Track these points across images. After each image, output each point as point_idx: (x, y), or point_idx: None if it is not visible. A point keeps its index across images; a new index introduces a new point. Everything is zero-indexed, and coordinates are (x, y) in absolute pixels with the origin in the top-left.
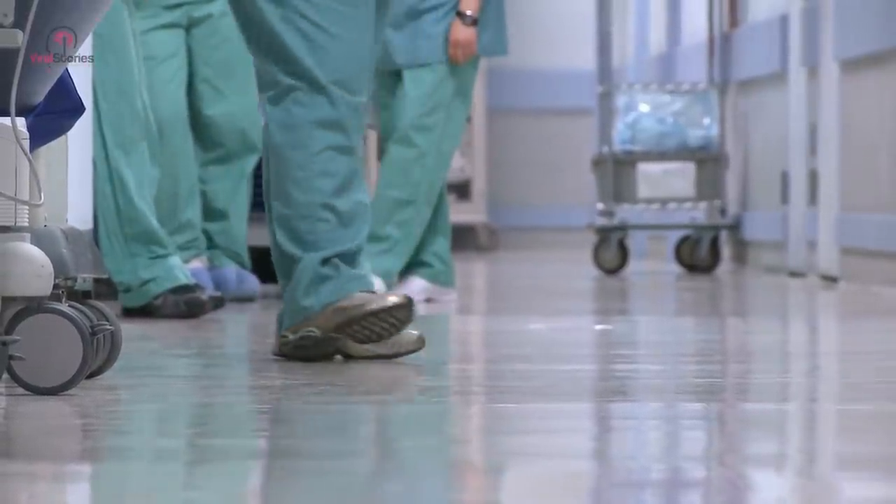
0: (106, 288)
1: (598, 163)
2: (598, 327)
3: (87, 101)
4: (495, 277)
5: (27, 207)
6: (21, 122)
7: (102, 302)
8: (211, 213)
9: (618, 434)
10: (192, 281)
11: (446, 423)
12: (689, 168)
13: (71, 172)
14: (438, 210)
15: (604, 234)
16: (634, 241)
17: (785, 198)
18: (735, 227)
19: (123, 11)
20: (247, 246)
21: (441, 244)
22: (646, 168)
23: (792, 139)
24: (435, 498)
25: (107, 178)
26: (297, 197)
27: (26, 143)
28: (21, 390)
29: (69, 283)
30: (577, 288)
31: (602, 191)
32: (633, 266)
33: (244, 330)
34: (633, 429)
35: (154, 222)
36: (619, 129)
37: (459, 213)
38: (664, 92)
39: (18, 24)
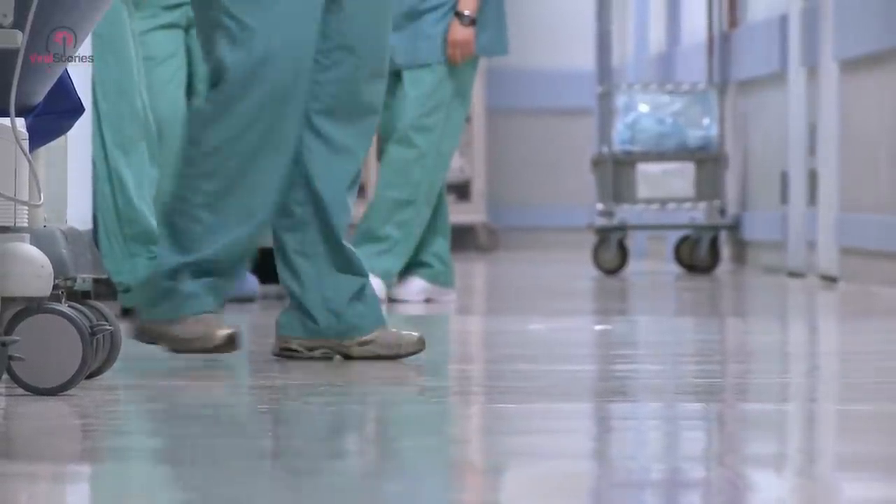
0: (105, 288)
1: (597, 163)
2: (598, 327)
3: (87, 101)
4: (495, 277)
5: (27, 208)
6: (21, 123)
7: (102, 302)
8: None
9: (618, 434)
10: None
11: (446, 423)
12: (688, 168)
13: (71, 172)
14: (438, 210)
15: (604, 234)
16: (634, 241)
17: (784, 198)
18: (735, 228)
19: (123, 11)
20: None
21: (441, 244)
22: (645, 168)
23: (792, 139)
24: (435, 498)
25: (106, 179)
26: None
27: (26, 144)
28: (21, 390)
29: (69, 283)
30: (577, 288)
31: (602, 191)
32: (632, 266)
33: (244, 330)
34: (632, 429)
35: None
36: (619, 130)
37: (459, 213)
38: (664, 92)
39: (18, 24)
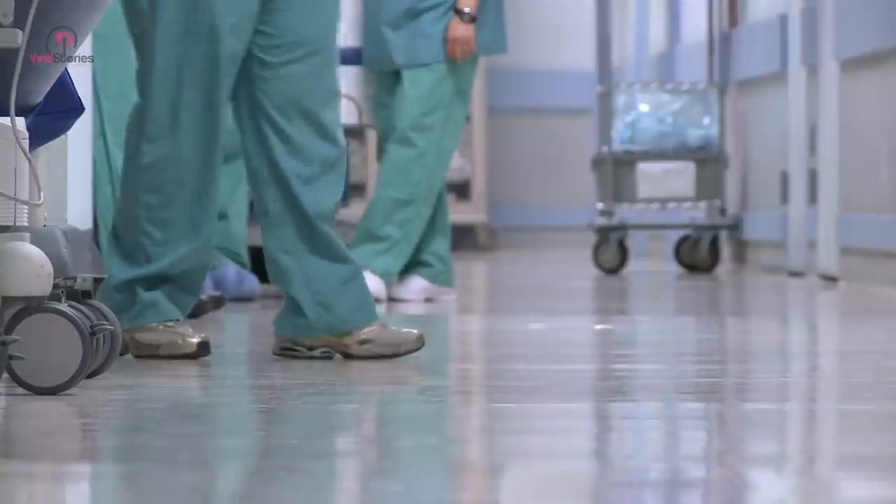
0: None
1: (597, 163)
2: (599, 327)
3: (88, 101)
4: (495, 277)
5: (27, 207)
6: (21, 122)
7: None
8: None
9: (617, 434)
10: None
11: (446, 423)
12: (688, 168)
13: (71, 172)
14: (438, 210)
15: (604, 233)
16: (634, 240)
17: (785, 198)
18: (735, 227)
19: None
20: (246, 246)
21: (441, 244)
22: (646, 168)
23: (792, 139)
24: (435, 497)
25: (107, 178)
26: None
27: (26, 143)
28: (21, 390)
29: (69, 282)
30: (577, 288)
31: (602, 191)
32: (632, 266)
33: (244, 330)
34: (632, 429)
35: None
36: (619, 129)
37: (459, 213)
38: (664, 91)
39: (18, 23)
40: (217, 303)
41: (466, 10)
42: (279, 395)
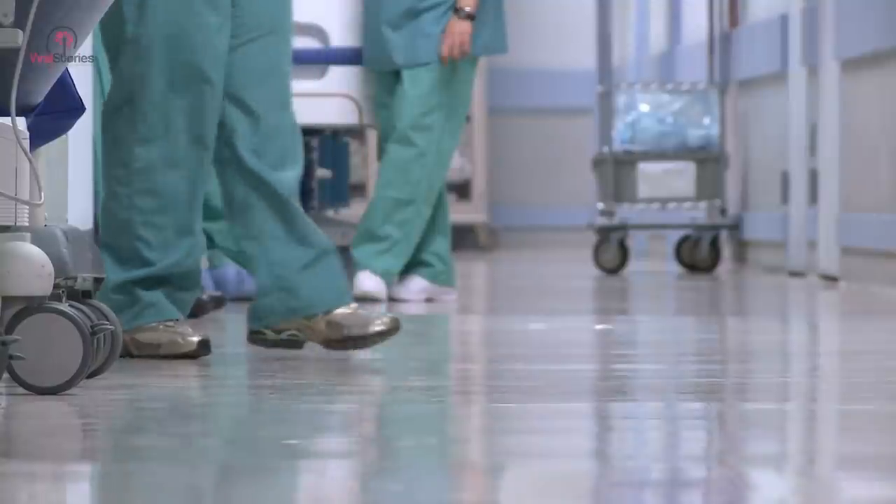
0: None
1: (598, 162)
2: (599, 327)
3: (88, 100)
4: (495, 277)
5: (27, 207)
6: (21, 122)
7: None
8: (211, 212)
9: (618, 433)
10: None
11: (446, 423)
12: (689, 168)
13: (71, 172)
14: (438, 210)
15: (604, 233)
16: (635, 240)
17: (785, 198)
18: (735, 227)
19: None
20: None
21: (441, 244)
22: (646, 168)
23: (792, 139)
24: (435, 497)
25: None
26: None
27: (26, 143)
28: (21, 390)
29: (69, 282)
30: (577, 288)
31: (602, 190)
32: (633, 266)
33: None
34: (632, 428)
35: None
36: (620, 129)
37: (459, 213)
38: (664, 91)
39: (19, 23)
40: (217, 303)
41: (467, 9)
42: (279, 395)
